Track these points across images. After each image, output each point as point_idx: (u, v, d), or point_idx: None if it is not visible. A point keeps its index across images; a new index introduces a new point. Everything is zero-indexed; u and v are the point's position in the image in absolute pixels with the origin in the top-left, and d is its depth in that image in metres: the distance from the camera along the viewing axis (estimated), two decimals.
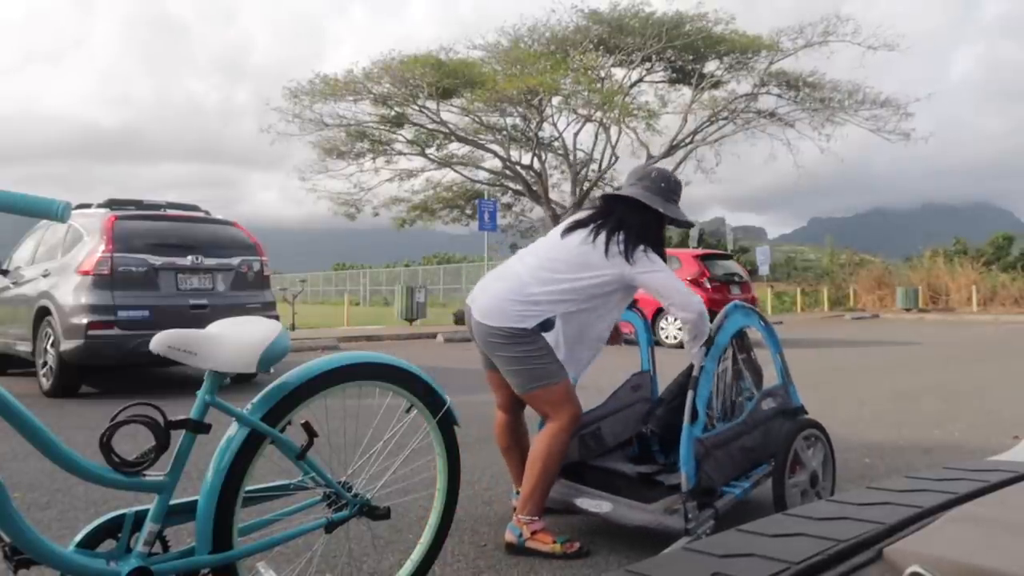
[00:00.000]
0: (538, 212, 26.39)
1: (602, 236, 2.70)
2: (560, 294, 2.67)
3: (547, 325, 2.67)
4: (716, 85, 24.68)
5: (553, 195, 25.13)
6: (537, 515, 2.65)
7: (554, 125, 25.11)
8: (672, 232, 37.86)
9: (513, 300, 2.66)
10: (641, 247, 2.68)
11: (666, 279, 2.72)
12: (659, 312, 10.74)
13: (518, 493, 2.79)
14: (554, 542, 2.60)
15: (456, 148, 26.02)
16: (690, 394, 2.58)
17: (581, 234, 2.74)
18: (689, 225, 2.99)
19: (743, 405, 2.97)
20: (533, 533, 2.62)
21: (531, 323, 2.63)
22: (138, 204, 7.23)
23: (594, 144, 24.93)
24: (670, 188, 2.82)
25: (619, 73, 24.64)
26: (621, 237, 2.68)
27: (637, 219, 2.73)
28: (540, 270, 2.72)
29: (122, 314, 6.30)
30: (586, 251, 2.70)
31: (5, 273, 7.37)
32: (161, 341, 1.65)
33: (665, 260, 2.77)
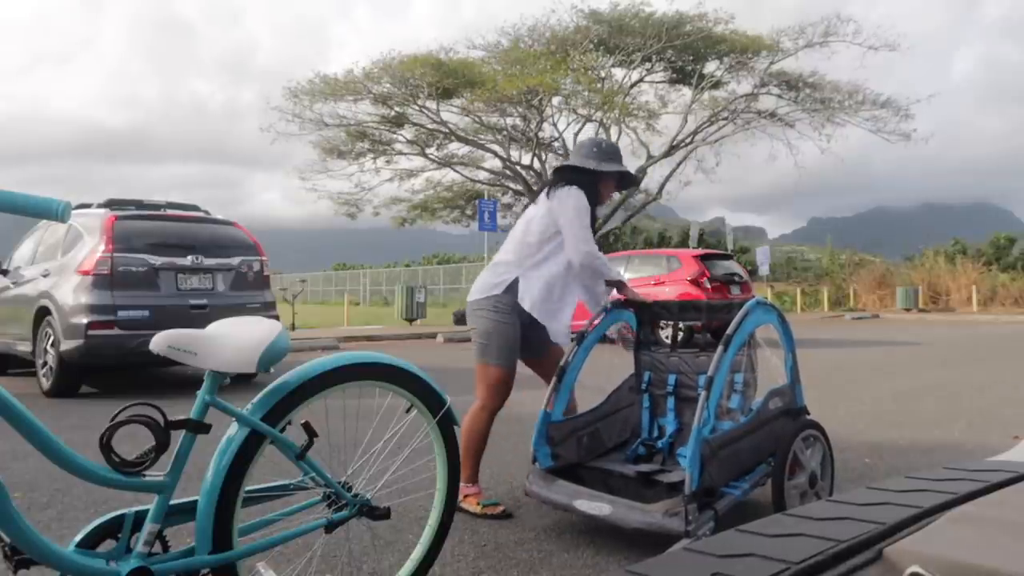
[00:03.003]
0: None
1: (541, 194, 3.20)
2: (518, 252, 3.11)
3: (512, 289, 3.05)
4: (716, 85, 24.69)
5: None
6: (469, 482, 3.06)
7: (554, 125, 25.14)
8: (673, 233, 37.74)
9: (488, 275, 3.16)
10: (565, 188, 3.10)
11: (570, 218, 3.05)
12: None
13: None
14: (478, 503, 3.01)
15: (456, 148, 26.06)
16: (703, 395, 2.58)
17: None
18: (632, 177, 3.34)
19: (738, 400, 2.99)
20: (464, 497, 3.00)
21: (499, 289, 3.06)
22: (138, 204, 7.23)
23: None
24: (603, 151, 3.22)
25: (619, 73, 24.69)
26: (549, 188, 3.17)
27: (570, 176, 3.17)
28: (507, 245, 3.22)
29: (122, 314, 6.31)
30: (530, 209, 3.22)
31: (5, 273, 7.37)
32: (161, 341, 1.65)
33: (594, 217, 3.17)
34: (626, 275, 3.40)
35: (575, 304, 3.18)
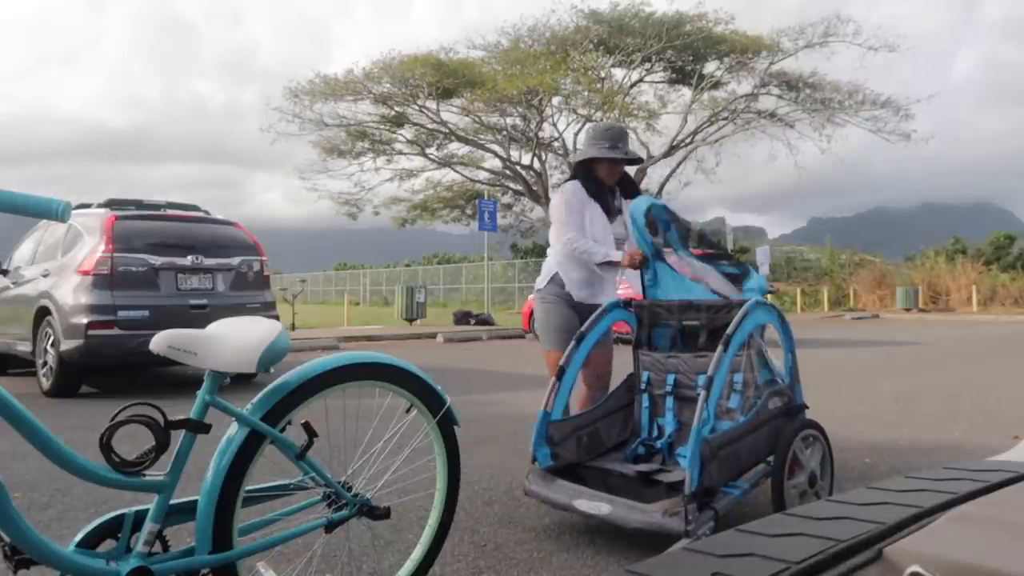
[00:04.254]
0: (538, 212, 26.39)
1: None
2: (554, 247, 3.45)
3: (555, 279, 3.43)
4: (716, 85, 24.68)
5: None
6: None
7: (554, 125, 25.13)
8: None
9: (542, 270, 3.54)
10: (558, 190, 3.47)
11: (554, 216, 3.44)
12: None
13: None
14: None
15: (456, 148, 26.06)
16: (702, 395, 2.57)
17: None
18: (607, 157, 3.39)
19: (738, 400, 2.99)
20: None
21: (544, 281, 3.47)
22: (138, 204, 7.23)
23: None
24: (589, 138, 3.48)
25: (619, 73, 24.69)
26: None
27: (572, 172, 3.54)
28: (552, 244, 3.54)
29: (122, 314, 6.31)
30: None
31: (5, 273, 7.37)
32: (161, 341, 1.65)
33: (611, 196, 3.47)
34: (627, 275, 3.44)
35: (614, 283, 3.47)
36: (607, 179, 3.46)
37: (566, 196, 3.42)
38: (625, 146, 3.44)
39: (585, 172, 3.45)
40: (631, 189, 3.58)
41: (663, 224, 3.34)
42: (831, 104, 23.76)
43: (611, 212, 3.48)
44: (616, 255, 3.35)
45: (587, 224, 3.39)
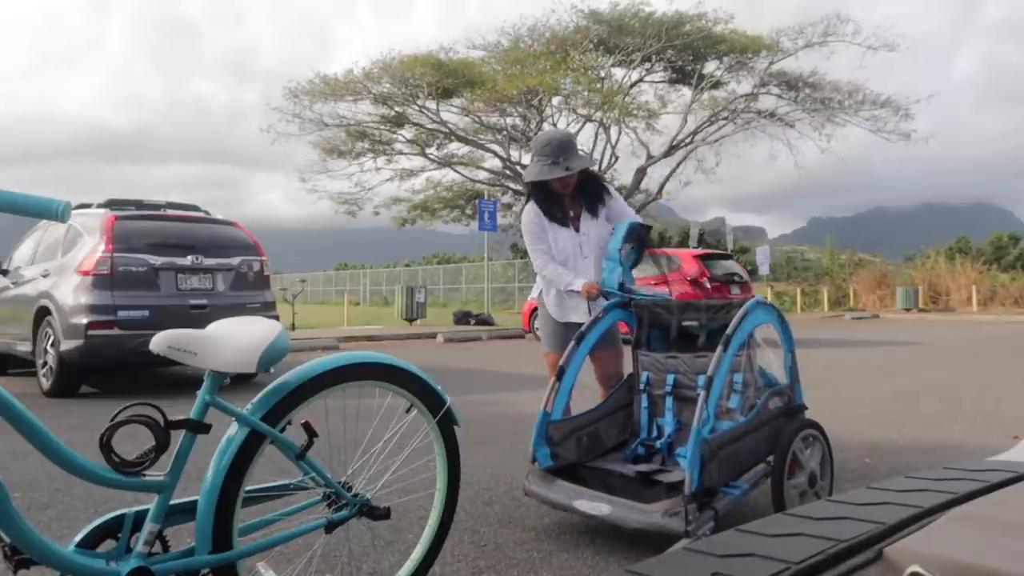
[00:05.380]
0: None
1: None
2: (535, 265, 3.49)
3: (543, 292, 3.52)
4: (716, 85, 24.67)
5: None
6: None
7: (554, 125, 25.10)
8: (673, 232, 37.81)
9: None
10: (521, 212, 3.57)
11: (526, 243, 3.49)
12: None
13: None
14: None
15: (456, 148, 26.05)
16: (702, 395, 2.57)
17: None
18: (561, 172, 3.25)
19: (737, 400, 2.99)
20: None
21: (537, 291, 3.60)
22: (138, 204, 7.24)
23: (594, 144, 24.94)
24: (533, 154, 3.39)
25: (619, 73, 24.67)
26: None
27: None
28: None
29: (122, 314, 6.31)
30: None
31: (5, 273, 7.38)
32: (161, 341, 1.65)
33: (565, 204, 3.41)
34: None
35: (586, 303, 3.39)
36: (561, 190, 3.37)
37: (526, 224, 3.45)
38: (568, 158, 3.24)
39: (538, 188, 3.40)
40: (595, 188, 3.48)
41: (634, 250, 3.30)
42: (831, 104, 23.76)
43: (575, 222, 3.43)
44: (578, 284, 3.27)
45: (553, 245, 3.39)
